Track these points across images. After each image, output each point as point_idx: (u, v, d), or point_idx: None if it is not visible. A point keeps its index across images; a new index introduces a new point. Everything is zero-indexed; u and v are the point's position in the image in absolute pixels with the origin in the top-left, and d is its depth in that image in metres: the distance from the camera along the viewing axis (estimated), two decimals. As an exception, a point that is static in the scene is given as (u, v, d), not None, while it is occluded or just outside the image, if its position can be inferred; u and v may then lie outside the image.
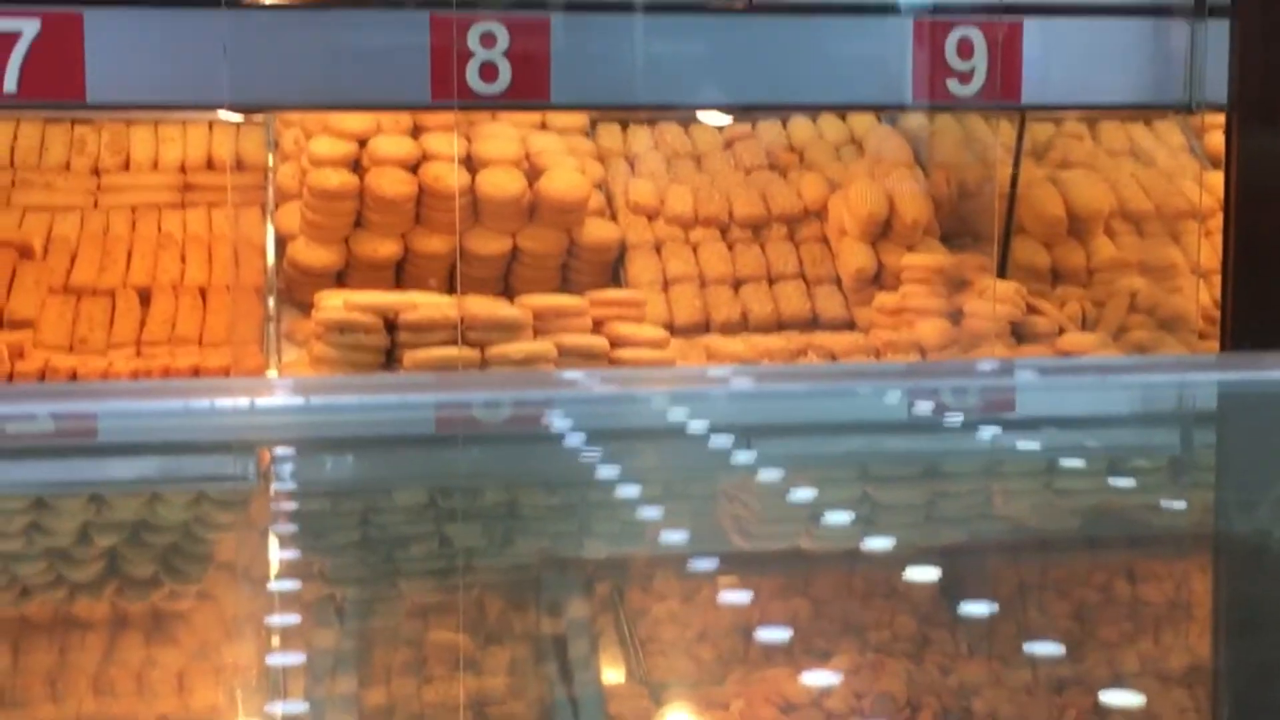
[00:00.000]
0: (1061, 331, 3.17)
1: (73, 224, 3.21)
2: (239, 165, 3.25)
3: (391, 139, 3.17)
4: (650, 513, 0.78)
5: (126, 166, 3.31)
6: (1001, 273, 3.28)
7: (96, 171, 3.30)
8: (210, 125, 3.31)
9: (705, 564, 0.71)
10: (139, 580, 0.72)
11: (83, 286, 3.08)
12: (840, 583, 0.74)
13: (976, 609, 0.68)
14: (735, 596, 0.68)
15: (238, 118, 3.22)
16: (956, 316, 3.16)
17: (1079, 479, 0.97)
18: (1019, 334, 3.14)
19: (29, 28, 2.28)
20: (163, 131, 3.31)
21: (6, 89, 2.25)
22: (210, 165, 3.29)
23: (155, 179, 3.28)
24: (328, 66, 2.47)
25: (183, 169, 3.30)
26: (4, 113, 3.06)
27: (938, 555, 0.78)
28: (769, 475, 0.86)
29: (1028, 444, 0.98)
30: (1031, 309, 3.17)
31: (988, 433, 1.00)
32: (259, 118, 3.21)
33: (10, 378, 2.75)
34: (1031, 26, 2.70)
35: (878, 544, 0.76)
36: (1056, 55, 2.72)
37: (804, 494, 0.83)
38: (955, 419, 1.02)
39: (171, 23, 2.40)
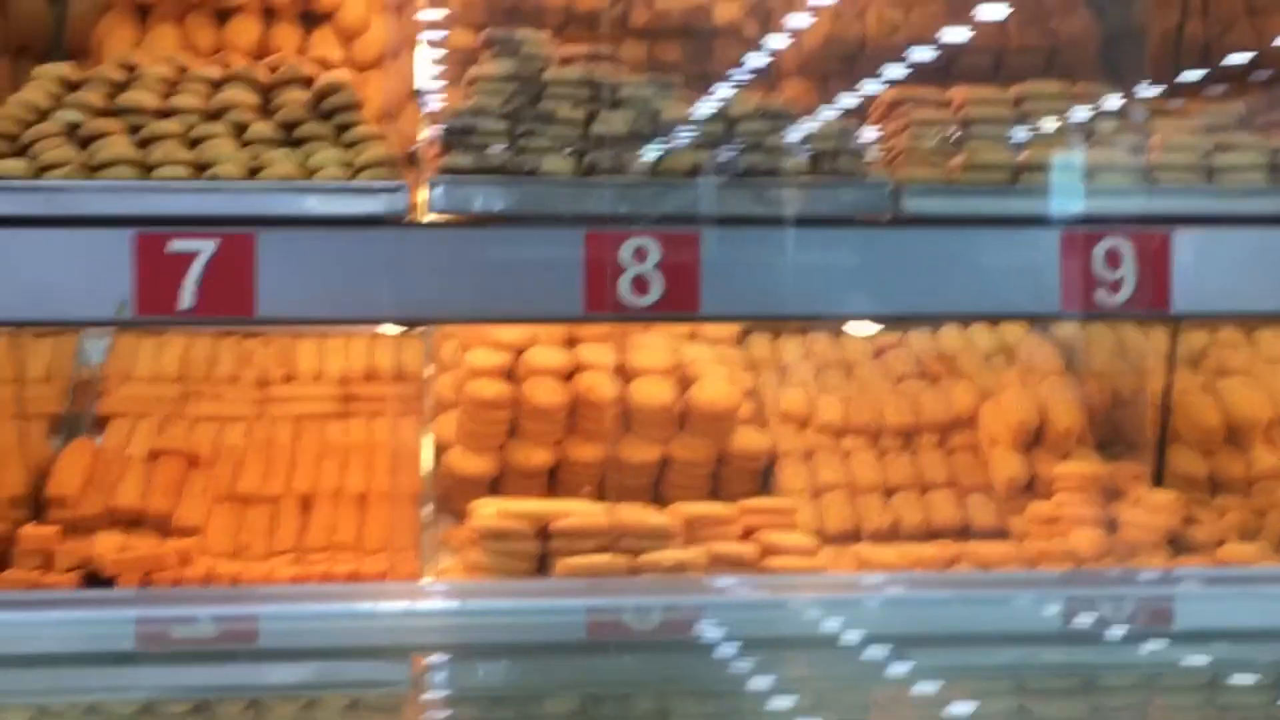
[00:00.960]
0: (1221, 542, 3.09)
1: (239, 434, 3.31)
2: (399, 376, 3.33)
3: (546, 350, 3.23)
4: (802, 724, 0.77)
5: (291, 378, 3.41)
6: (1157, 482, 3.22)
7: (263, 383, 3.41)
8: (372, 338, 3.41)
9: (859, 777, 0.70)
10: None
11: (247, 494, 3.16)
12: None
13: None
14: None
15: (398, 331, 3.31)
16: (1112, 526, 3.10)
17: (1243, 694, 0.94)
18: (1177, 544, 3.07)
19: (206, 248, 2.39)
20: (327, 344, 3.42)
21: (183, 306, 2.34)
22: (371, 376, 3.38)
23: (318, 390, 3.37)
24: (485, 281, 2.54)
25: (345, 380, 3.39)
26: (180, 328, 3.18)
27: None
28: (923, 687, 0.85)
29: (1190, 657, 0.96)
30: (1189, 519, 3.10)
31: (1147, 644, 0.98)
32: (418, 330, 3.30)
33: (176, 583, 2.81)
34: (1182, 235, 2.69)
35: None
36: (1209, 263, 2.71)
37: (960, 708, 0.82)
38: (1114, 629, 1.00)
39: (338, 242, 2.50)
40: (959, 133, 2.88)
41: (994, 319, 3.46)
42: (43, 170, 2.49)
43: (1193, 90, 3.31)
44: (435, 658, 0.88)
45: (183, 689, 0.82)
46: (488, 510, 2.97)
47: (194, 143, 2.59)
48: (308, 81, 2.73)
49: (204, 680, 0.84)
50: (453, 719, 0.76)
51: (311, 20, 3.49)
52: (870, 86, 3.33)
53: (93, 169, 2.51)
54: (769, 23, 3.58)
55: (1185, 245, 2.69)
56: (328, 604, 0.96)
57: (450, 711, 0.78)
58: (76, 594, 1.03)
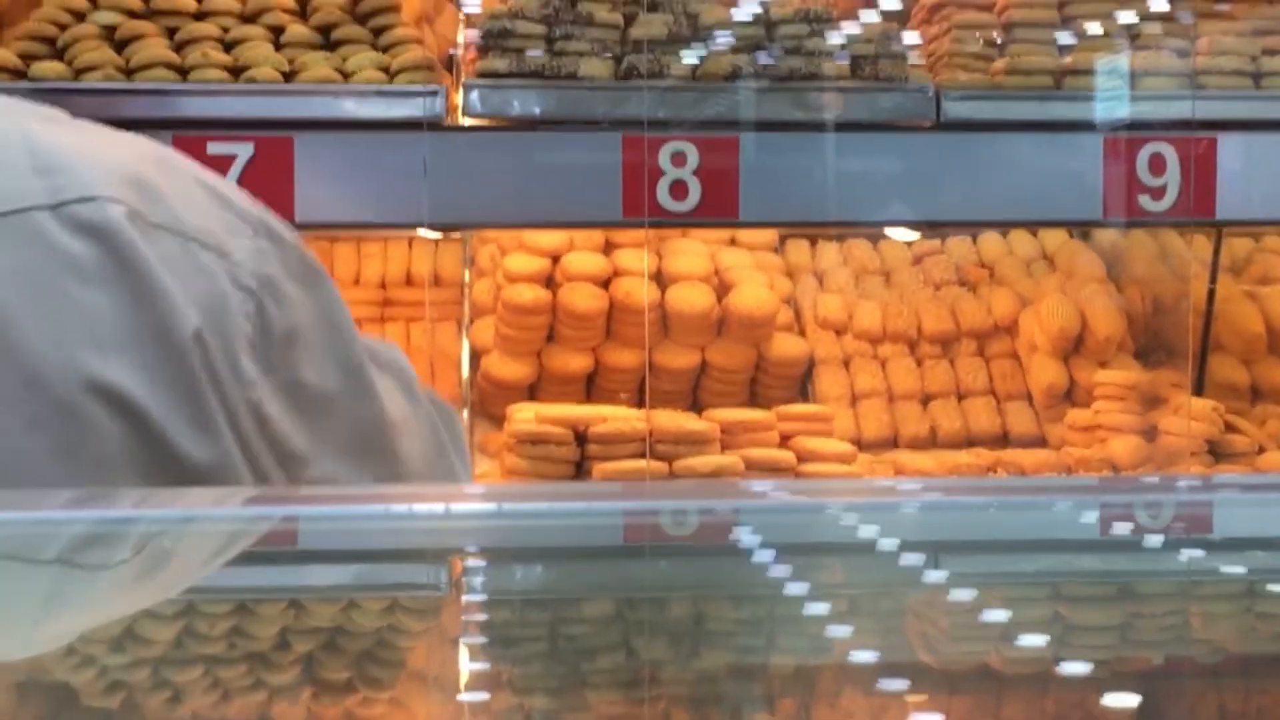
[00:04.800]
0: (1261, 450, 3.08)
1: (276, 338, 3.32)
2: (436, 281, 3.34)
3: (583, 255, 3.23)
4: (839, 629, 0.77)
5: (329, 282, 3.41)
6: (1198, 390, 3.21)
7: (300, 287, 3.41)
8: (410, 243, 3.41)
9: (894, 683, 0.70)
10: (334, 686, 0.73)
11: (285, 398, 3.17)
12: (1033, 706, 0.72)
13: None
14: (925, 717, 0.67)
15: (436, 235, 3.31)
16: (1151, 434, 3.09)
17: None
18: (1216, 452, 3.06)
19: (243, 151, 2.39)
20: (364, 249, 3.42)
21: (220, 209, 2.33)
22: (409, 281, 3.38)
23: (357, 294, 3.38)
24: (523, 186, 2.53)
25: (383, 285, 3.39)
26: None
27: (1136, 680, 0.76)
28: (960, 593, 0.84)
29: (1229, 565, 0.95)
30: (1230, 427, 3.09)
31: (1186, 552, 0.98)
32: (456, 235, 3.30)
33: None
34: (1228, 141, 2.65)
35: (1072, 667, 0.74)
36: (1255, 170, 2.67)
37: (995, 614, 0.82)
38: (1152, 537, 1.00)
39: (374, 145, 2.49)
40: (1001, 36, 2.84)
41: (1035, 225, 3.44)
42: (80, 72, 2.49)
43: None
44: (472, 560, 0.89)
45: (220, 590, 0.83)
46: (525, 415, 2.98)
47: (230, 45, 2.58)
48: (344, -17, 2.71)
49: (241, 581, 0.84)
50: (490, 621, 0.76)
51: (348, -79, 3.46)
52: (912, -11, 3.29)
53: (129, 71, 2.50)
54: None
55: (1231, 151, 2.66)
56: (366, 505, 0.96)
57: (487, 614, 0.78)
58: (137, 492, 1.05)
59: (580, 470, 2.93)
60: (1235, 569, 0.92)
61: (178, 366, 1.05)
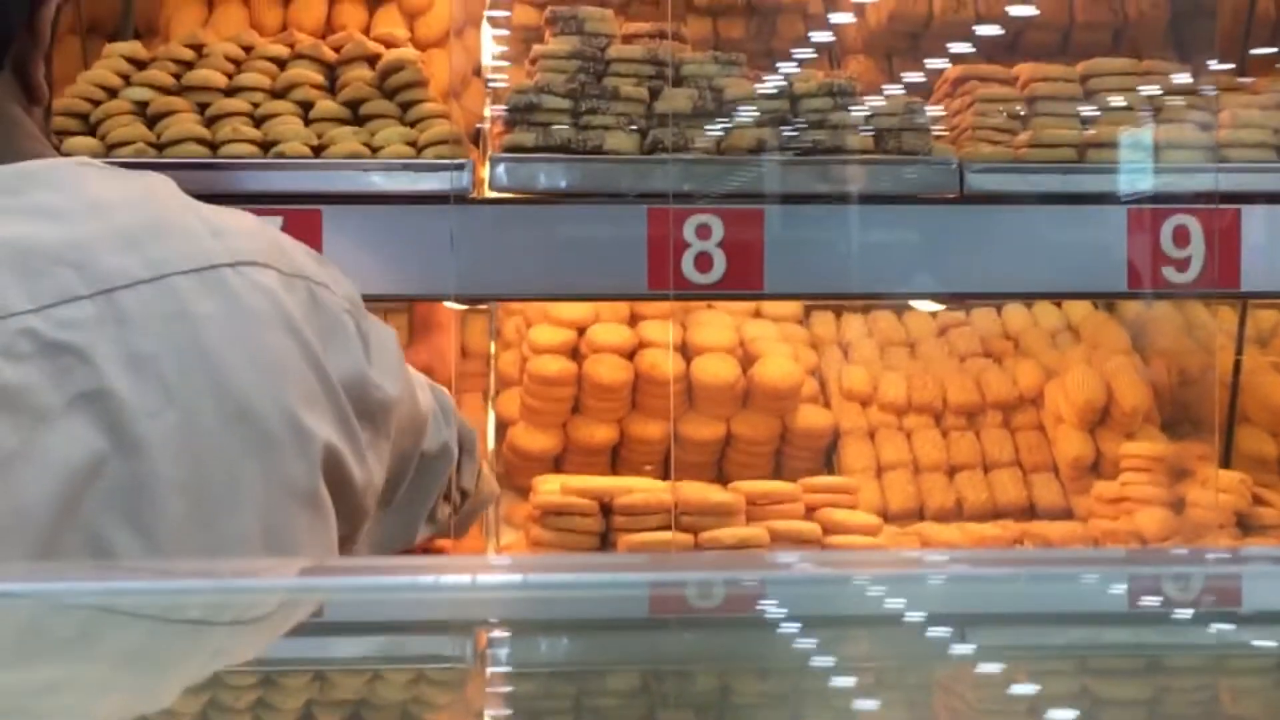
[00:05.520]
0: (1292, 523, 3.06)
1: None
2: (463, 353, 3.35)
3: (609, 327, 3.24)
4: (865, 703, 0.77)
5: (355, 354, 3.42)
6: (1225, 462, 3.19)
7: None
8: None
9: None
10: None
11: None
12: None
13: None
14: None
15: (462, 307, 3.33)
16: (1179, 506, 3.08)
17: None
18: (1244, 525, 3.04)
19: (273, 224, 2.40)
20: (391, 321, 3.43)
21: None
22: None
23: (382, 366, 3.38)
24: (549, 258, 2.54)
25: (409, 357, 3.40)
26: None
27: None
28: (987, 666, 0.84)
29: (1258, 639, 0.95)
30: (1258, 499, 3.07)
31: (1215, 625, 0.97)
32: (483, 307, 3.32)
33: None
34: (1252, 213, 2.66)
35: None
36: (1280, 241, 2.67)
37: (1023, 688, 0.81)
38: (1180, 610, 0.99)
39: (402, 218, 2.51)
40: (1024, 109, 2.86)
41: (1059, 297, 3.44)
42: (112, 148, 2.52)
43: (1263, 66, 3.27)
44: (498, 632, 0.89)
45: (248, 661, 0.83)
46: (550, 486, 2.98)
47: (260, 121, 2.61)
48: (373, 59, 2.74)
49: (270, 653, 0.84)
50: (516, 694, 0.76)
51: (376, -2, 3.50)
52: (935, 63, 3.31)
53: (160, 147, 2.53)
54: (833, -1, 3.56)
55: (1255, 223, 2.66)
56: (392, 577, 0.97)
57: (513, 686, 0.78)
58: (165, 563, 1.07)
59: (605, 542, 2.92)
60: (1265, 643, 0.92)
61: (338, 405, 1.29)
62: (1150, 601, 1.00)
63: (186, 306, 1.22)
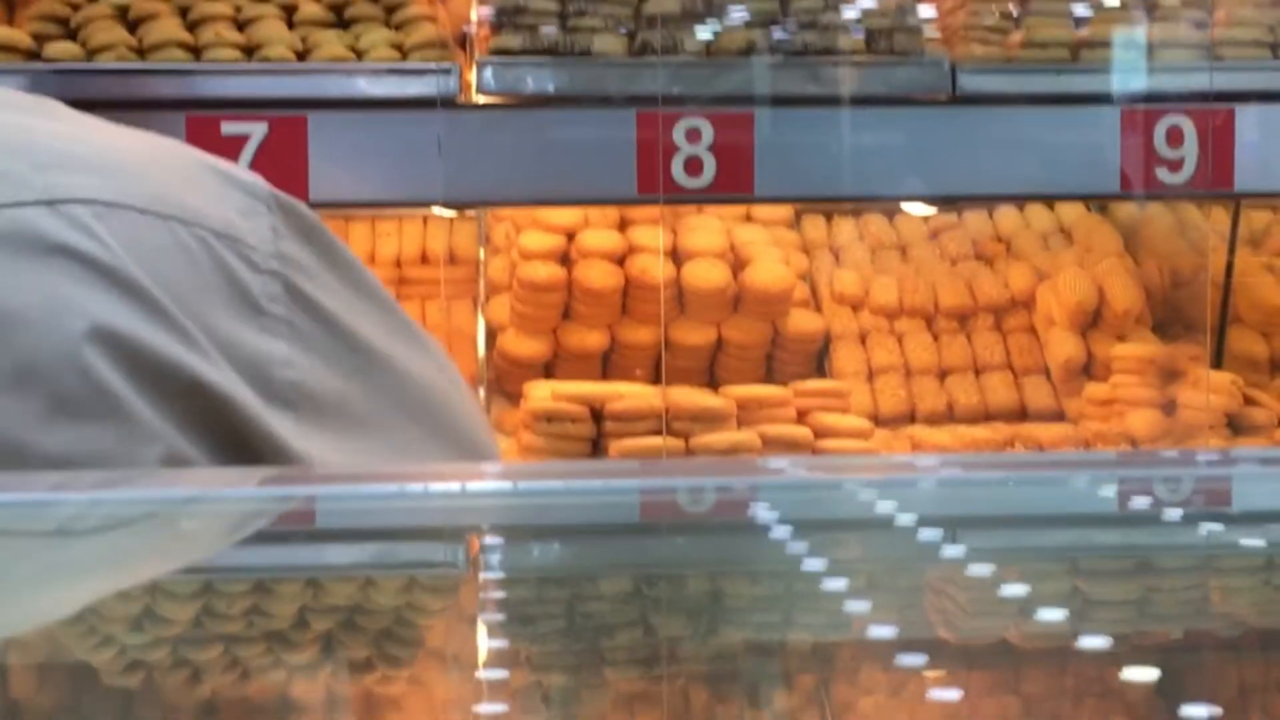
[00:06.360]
0: (1282, 423, 3.07)
1: (293, 316, 3.32)
2: (451, 259, 3.34)
3: (599, 233, 3.23)
4: (857, 605, 0.77)
5: (344, 261, 3.41)
6: (1216, 363, 3.20)
7: (316, 266, 3.41)
8: (424, 221, 3.40)
9: (913, 658, 0.70)
10: (353, 664, 0.73)
11: (301, 376, 3.18)
12: (1052, 680, 0.72)
13: (1197, 712, 0.66)
14: (944, 693, 0.67)
15: (451, 213, 3.31)
16: (1169, 408, 3.09)
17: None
18: (1235, 426, 3.05)
19: (257, 130, 2.39)
20: (379, 227, 3.42)
21: (235, 188, 2.34)
22: (424, 259, 3.38)
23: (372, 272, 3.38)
24: (537, 163, 2.53)
25: (398, 263, 3.39)
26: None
27: (1155, 653, 0.75)
28: (978, 568, 0.84)
29: (1248, 539, 0.95)
30: (1249, 400, 3.08)
31: (1205, 526, 0.97)
32: (471, 213, 3.30)
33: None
34: (1246, 113, 2.64)
35: (1092, 641, 0.74)
36: (1274, 141, 2.66)
37: (1014, 588, 0.81)
38: (1171, 511, 0.99)
39: (388, 124, 2.49)
40: (1017, 9, 2.83)
41: (1051, 199, 3.42)
42: (93, 53, 2.49)
43: (1259, -37, 3.23)
44: (489, 539, 0.88)
45: (239, 568, 0.83)
46: (541, 392, 2.99)
47: (243, 25, 2.57)
48: (357, -39, 2.70)
49: (261, 560, 0.84)
50: (508, 599, 0.76)
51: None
52: (927, -38, 3.27)
53: (142, 51, 2.50)
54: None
55: (1249, 122, 2.65)
56: (383, 484, 0.96)
57: (504, 592, 0.78)
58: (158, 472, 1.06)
59: (597, 448, 2.93)
60: (1255, 542, 0.92)
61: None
62: (1140, 503, 1.00)
63: None
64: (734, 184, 2.56)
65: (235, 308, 1.05)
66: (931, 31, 2.80)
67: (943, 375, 3.32)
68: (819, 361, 3.34)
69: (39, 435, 1.00)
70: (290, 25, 2.55)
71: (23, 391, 1.01)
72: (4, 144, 1.06)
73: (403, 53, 2.52)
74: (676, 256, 3.27)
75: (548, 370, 3.23)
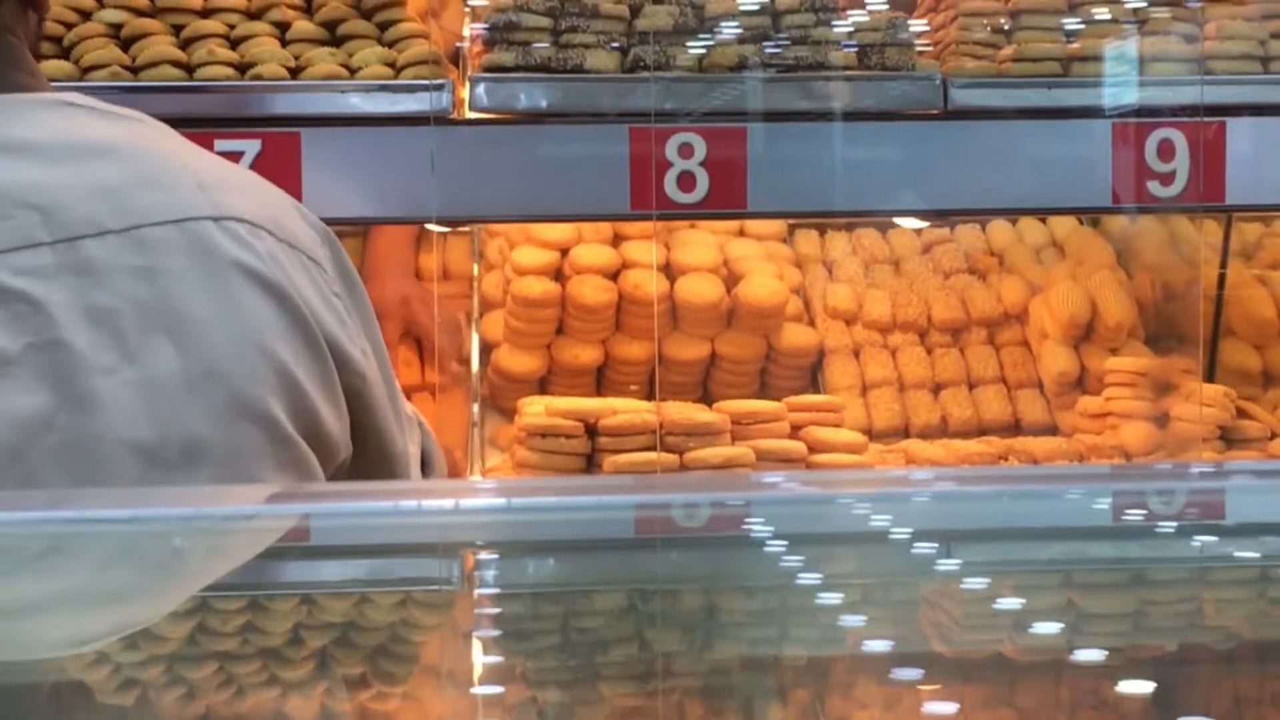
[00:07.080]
0: (1274, 436, 3.07)
1: (286, 333, 3.31)
2: (445, 275, 3.34)
3: (592, 248, 3.23)
4: (852, 619, 0.77)
5: (337, 278, 3.41)
6: (1209, 376, 3.20)
7: (309, 283, 3.40)
8: (418, 237, 3.40)
9: (908, 672, 0.71)
10: (348, 680, 0.73)
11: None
12: (1048, 693, 0.72)
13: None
14: (939, 706, 0.67)
15: (444, 230, 3.32)
16: (1162, 420, 3.09)
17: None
18: (1228, 438, 3.05)
19: (251, 148, 2.39)
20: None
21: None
22: (418, 275, 3.38)
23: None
24: (530, 179, 2.53)
25: (391, 279, 3.39)
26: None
27: (1149, 666, 0.76)
28: (972, 582, 0.84)
29: (1241, 551, 0.95)
30: (1242, 413, 3.08)
31: (1198, 539, 0.98)
32: (465, 229, 3.30)
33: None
34: (1237, 126, 2.65)
35: (1086, 654, 0.74)
36: (1265, 154, 2.67)
37: (1008, 602, 0.82)
38: (1164, 524, 1.00)
39: (382, 140, 2.49)
40: (1008, 23, 2.84)
41: (1044, 213, 3.43)
42: (86, 71, 2.49)
43: (1249, -23, 3.24)
44: (484, 554, 0.89)
45: (234, 586, 0.83)
46: (535, 408, 2.98)
47: (236, 42, 2.58)
48: (349, -22, 2.70)
49: (255, 577, 0.85)
50: (502, 615, 0.77)
51: (352, -84, 3.45)
52: (918, -23, 3.27)
53: (135, 70, 2.50)
54: (815, -87, 3.52)
55: (1240, 135, 2.65)
56: (377, 501, 0.97)
57: (500, 607, 0.78)
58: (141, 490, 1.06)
59: (591, 463, 2.93)
60: (1248, 554, 0.92)
61: (326, 370, 1.24)
62: (1135, 516, 1.01)
63: (156, 260, 1.15)
64: (727, 199, 2.56)
65: (336, 319, 1.27)
66: (923, 46, 2.81)
67: (936, 389, 3.32)
68: (813, 376, 3.34)
69: (217, 431, 1.14)
70: (283, 43, 2.55)
71: (209, 390, 1.15)
72: (168, 164, 1.24)
73: (395, 70, 2.53)
74: (670, 272, 3.28)
75: (542, 386, 3.23)
